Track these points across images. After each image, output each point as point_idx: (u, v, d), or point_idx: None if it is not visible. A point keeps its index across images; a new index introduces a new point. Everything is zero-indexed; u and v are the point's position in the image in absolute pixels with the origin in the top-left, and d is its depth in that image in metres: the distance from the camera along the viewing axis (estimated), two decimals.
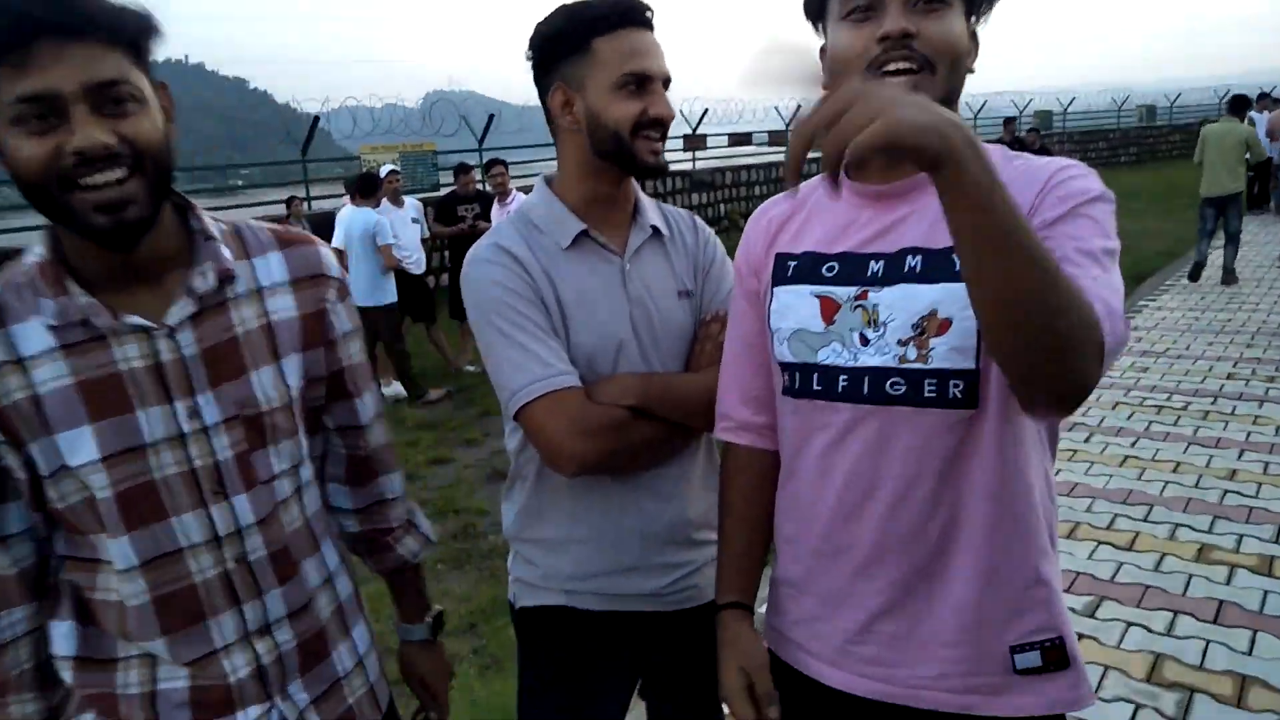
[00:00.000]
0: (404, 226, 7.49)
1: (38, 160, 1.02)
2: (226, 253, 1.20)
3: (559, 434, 1.44)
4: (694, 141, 16.93)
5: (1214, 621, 3.22)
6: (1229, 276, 9.14)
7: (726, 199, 16.63)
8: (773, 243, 1.33)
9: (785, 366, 1.27)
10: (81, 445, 1.09)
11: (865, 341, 1.18)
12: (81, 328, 1.10)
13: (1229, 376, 6.15)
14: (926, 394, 1.13)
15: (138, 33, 1.08)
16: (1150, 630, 3.19)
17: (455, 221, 7.89)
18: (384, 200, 7.35)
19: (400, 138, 14.20)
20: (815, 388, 1.23)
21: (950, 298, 1.12)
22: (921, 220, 1.17)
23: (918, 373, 1.14)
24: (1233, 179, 9.21)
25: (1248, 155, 9.33)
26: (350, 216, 7.01)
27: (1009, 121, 15.52)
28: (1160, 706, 2.77)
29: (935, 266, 1.14)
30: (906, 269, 1.16)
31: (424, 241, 7.92)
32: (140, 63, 1.08)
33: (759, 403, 1.38)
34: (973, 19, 1.19)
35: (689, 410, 1.53)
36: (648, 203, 1.66)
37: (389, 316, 7.01)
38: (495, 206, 7.69)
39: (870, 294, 1.18)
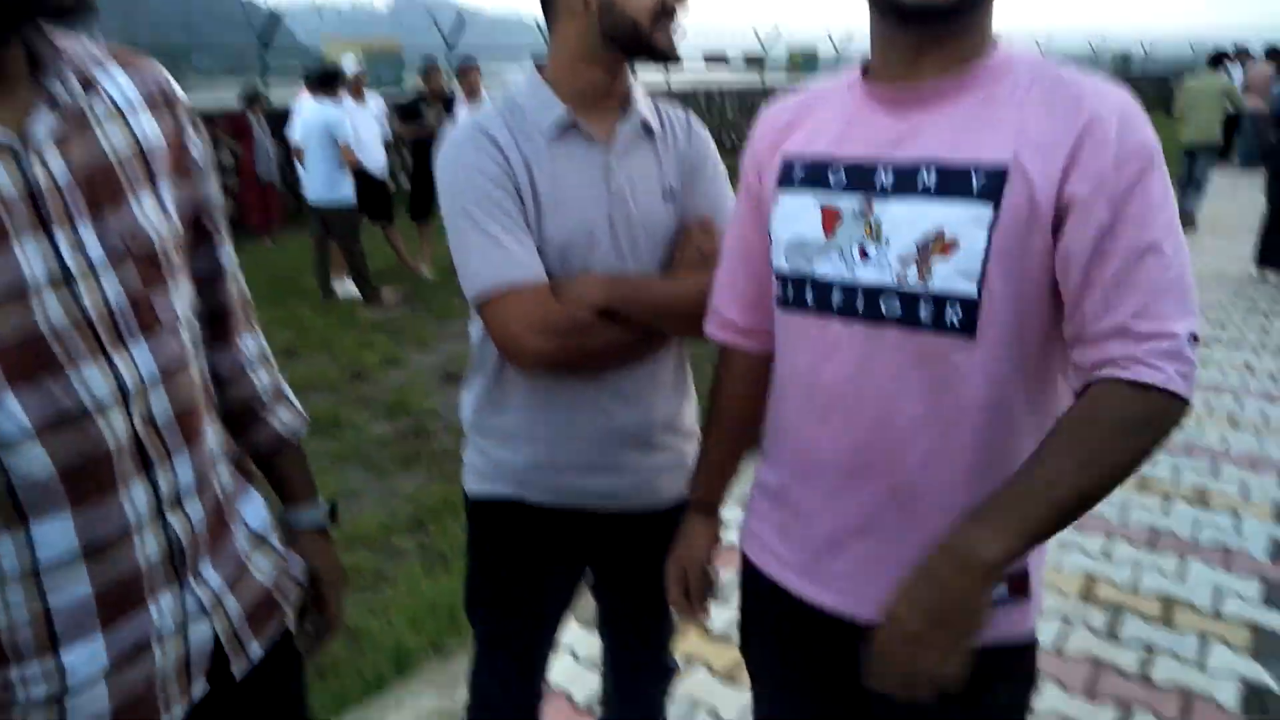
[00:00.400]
0: (366, 125, 7.26)
1: None
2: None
3: (518, 329, 1.40)
4: None
5: (1147, 546, 3.32)
6: (1187, 219, 9.28)
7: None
8: (780, 142, 1.26)
9: (780, 277, 1.22)
10: None
11: (865, 255, 1.12)
12: None
13: None
14: (921, 316, 1.08)
15: None
16: (1085, 553, 3.28)
17: (417, 120, 7.66)
18: (346, 97, 7.10)
19: (364, 34, 13.69)
20: (808, 301, 1.18)
21: (960, 217, 1.05)
22: (942, 129, 1.09)
23: (915, 294, 1.08)
24: (1203, 131, 9.48)
25: (1228, 107, 9.57)
26: (310, 111, 6.76)
27: None
28: (1090, 622, 2.86)
29: (951, 183, 1.07)
30: (919, 184, 1.09)
31: (386, 143, 7.70)
32: None
33: (752, 306, 1.34)
34: None
35: (661, 315, 1.48)
36: (641, 96, 1.57)
37: (346, 216, 6.83)
38: (463, 109, 7.46)
39: (875, 205, 1.12)
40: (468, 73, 7.47)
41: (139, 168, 1.03)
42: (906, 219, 1.09)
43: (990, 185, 1.04)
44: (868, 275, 1.11)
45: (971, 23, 1.08)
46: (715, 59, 18.71)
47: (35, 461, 0.93)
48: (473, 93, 7.40)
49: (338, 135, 6.61)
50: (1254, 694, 2.51)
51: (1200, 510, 3.59)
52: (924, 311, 1.08)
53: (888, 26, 1.12)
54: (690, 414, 1.68)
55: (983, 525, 0.98)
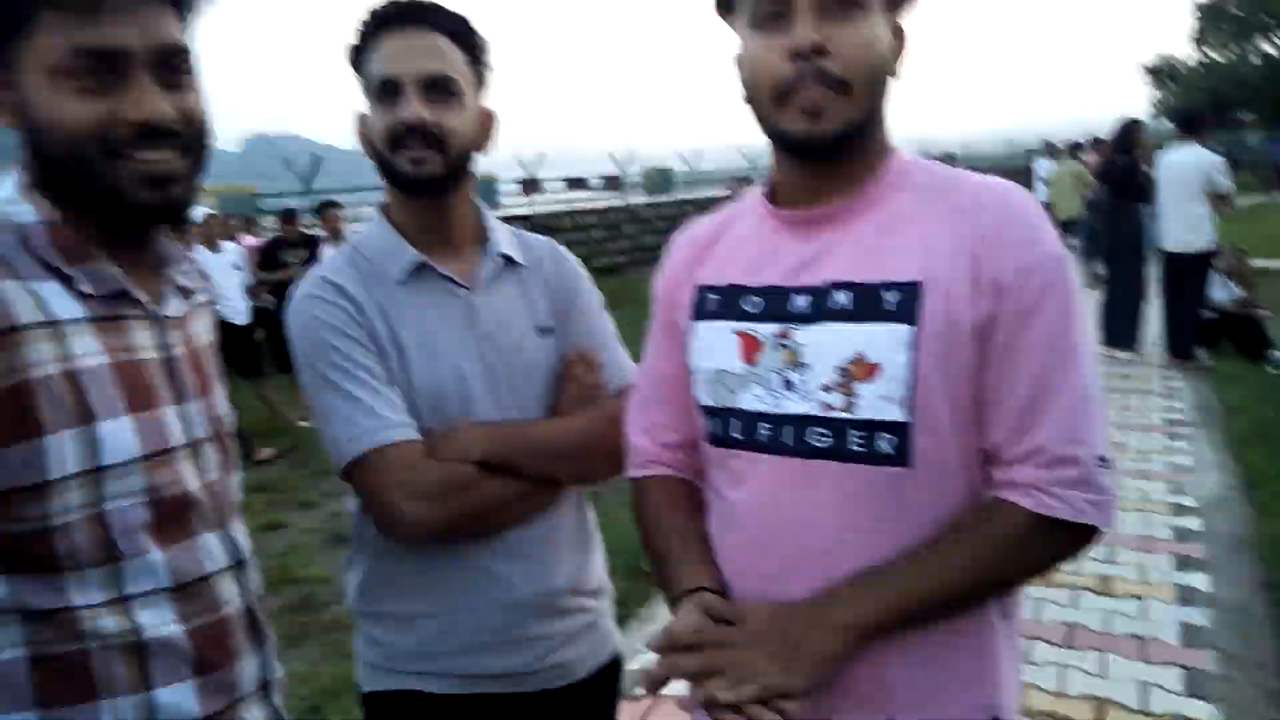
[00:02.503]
0: (222, 273, 6.98)
1: (85, 124, 0.91)
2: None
3: (392, 496, 1.27)
4: (531, 186, 16.90)
5: (1066, 645, 3.32)
6: None
7: (565, 243, 16.61)
8: (693, 272, 1.21)
9: (705, 411, 1.15)
10: (121, 439, 0.93)
11: (789, 386, 1.07)
12: (101, 302, 0.96)
13: None
14: (852, 447, 1.03)
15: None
16: None
17: (280, 268, 7.45)
18: (197, 246, 6.83)
19: (218, 180, 13.43)
20: (735, 435, 1.11)
21: (879, 340, 1.02)
22: (849, 249, 1.08)
23: (842, 423, 1.03)
24: (1066, 210, 11.48)
25: (1085, 191, 11.38)
26: None
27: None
28: None
29: (865, 303, 1.04)
30: (834, 306, 1.06)
31: (247, 290, 7.43)
32: (188, 32, 1.00)
33: (675, 442, 1.26)
34: (895, 13, 1.09)
35: (552, 461, 1.37)
36: (498, 227, 1.50)
37: None
38: (328, 250, 7.30)
39: (793, 333, 1.08)
40: (329, 215, 7.36)
41: (214, 362, 1.15)
42: (825, 344, 1.05)
43: (905, 303, 1.02)
44: (793, 406, 1.06)
45: (863, 144, 1.08)
46: (576, 183, 19.33)
47: (168, 624, 0.96)
48: (337, 234, 7.28)
49: None
50: None
51: (1107, 599, 3.65)
52: (853, 441, 1.02)
53: (785, 156, 1.12)
54: (599, 569, 1.56)
55: (850, 591, 1.01)
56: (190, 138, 0.98)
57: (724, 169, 23.25)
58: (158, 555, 0.96)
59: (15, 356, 0.87)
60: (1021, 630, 1.15)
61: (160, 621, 0.96)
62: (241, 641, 1.05)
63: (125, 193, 0.94)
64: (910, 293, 1.02)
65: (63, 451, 0.89)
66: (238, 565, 1.06)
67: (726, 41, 1.15)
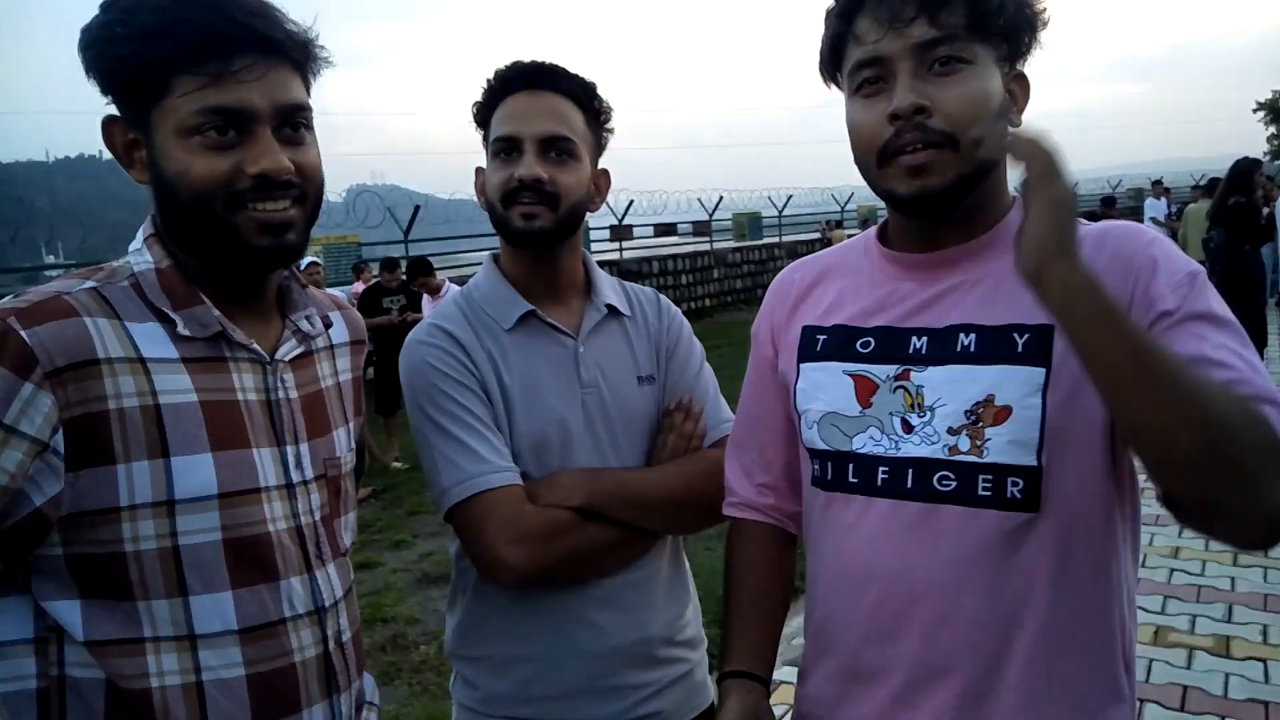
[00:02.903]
0: None
1: (213, 176, 0.97)
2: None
3: (492, 539, 1.29)
4: (620, 232, 17.13)
5: (1180, 709, 3.13)
6: None
7: (654, 288, 16.75)
8: (797, 312, 1.20)
9: (815, 454, 1.13)
10: (198, 475, 0.95)
11: (909, 428, 1.05)
12: (205, 344, 1.01)
13: None
14: (980, 492, 1.00)
15: (314, 62, 1.06)
16: None
17: (380, 314, 7.72)
18: None
19: (323, 230, 14.04)
20: (850, 479, 1.09)
21: (1010, 381, 0.99)
22: (972, 292, 1.06)
23: (970, 467, 1.00)
24: (1198, 250, 10.98)
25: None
26: None
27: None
28: None
29: (993, 345, 1.02)
30: (959, 347, 1.03)
31: None
32: (308, 91, 1.07)
33: (768, 483, 1.25)
34: (1011, 63, 1.06)
35: (647, 510, 1.38)
36: (604, 279, 1.53)
37: None
38: (427, 301, 7.56)
39: (913, 374, 1.05)
40: (420, 282, 7.65)
41: (338, 403, 1.17)
42: (952, 385, 1.02)
43: (1037, 345, 0.99)
44: (915, 449, 1.03)
45: (979, 195, 1.05)
46: (665, 229, 19.56)
47: (232, 666, 0.97)
48: (432, 291, 7.55)
49: None
50: None
51: (1226, 661, 3.42)
52: (982, 486, 1.00)
53: (898, 214, 1.10)
54: (693, 619, 1.55)
55: (1103, 287, 0.84)
56: (305, 189, 1.04)
57: (813, 212, 23.15)
58: (228, 595, 0.97)
59: (92, 387, 0.91)
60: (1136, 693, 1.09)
61: (221, 664, 0.96)
62: (312, 690, 1.03)
63: (244, 239, 1.00)
64: (1043, 335, 0.99)
65: (134, 481, 0.92)
66: (319, 611, 1.05)
67: (819, 85, 1.15)
